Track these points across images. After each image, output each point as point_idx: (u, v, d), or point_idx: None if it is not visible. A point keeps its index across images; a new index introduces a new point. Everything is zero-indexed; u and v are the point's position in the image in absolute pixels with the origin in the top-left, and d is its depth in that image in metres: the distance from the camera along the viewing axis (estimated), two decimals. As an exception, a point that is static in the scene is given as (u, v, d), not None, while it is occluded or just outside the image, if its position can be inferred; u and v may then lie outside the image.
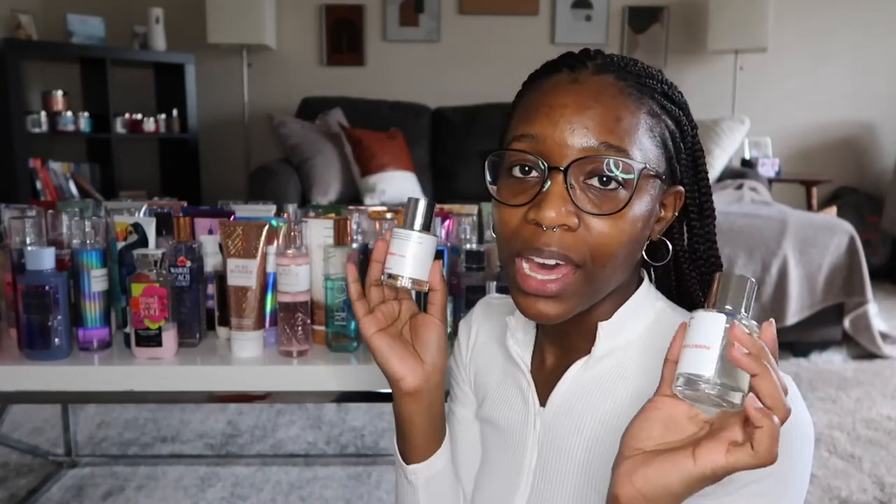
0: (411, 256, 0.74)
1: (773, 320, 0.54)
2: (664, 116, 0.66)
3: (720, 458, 0.52)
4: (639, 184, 0.62)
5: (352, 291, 0.77)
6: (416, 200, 0.76)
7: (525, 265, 0.64)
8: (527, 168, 0.65)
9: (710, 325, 0.54)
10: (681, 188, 0.69)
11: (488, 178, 0.69)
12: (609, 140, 0.62)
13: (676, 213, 0.70)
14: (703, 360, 0.53)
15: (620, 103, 0.63)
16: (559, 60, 0.68)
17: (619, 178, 0.62)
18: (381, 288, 0.78)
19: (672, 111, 0.67)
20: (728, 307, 0.55)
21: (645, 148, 0.64)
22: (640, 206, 0.63)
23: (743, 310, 0.55)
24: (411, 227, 0.75)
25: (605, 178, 0.62)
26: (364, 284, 0.78)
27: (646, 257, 0.69)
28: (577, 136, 0.62)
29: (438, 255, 1.24)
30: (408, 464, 0.81)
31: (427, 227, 0.76)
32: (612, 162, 0.61)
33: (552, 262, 0.63)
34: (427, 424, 0.79)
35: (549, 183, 0.62)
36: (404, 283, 0.75)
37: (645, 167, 0.62)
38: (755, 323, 0.54)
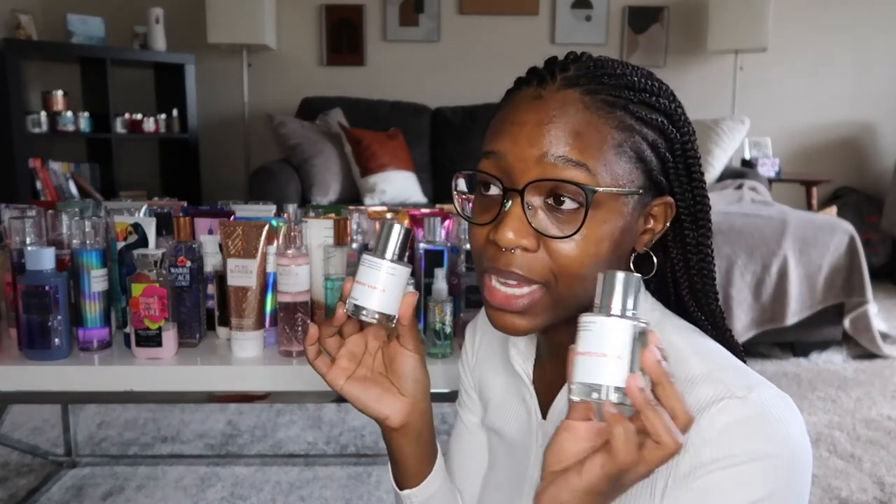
0: (381, 288, 0.67)
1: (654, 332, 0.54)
2: (641, 128, 0.63)
3: (597, 469, 0.53)
4: (595, 205, 0.60)
5: (309, 353, 0.72)
6: (391, 225, 0.69)
7: (492, 280, 0.64)
8: (492, 185, 0.64)
9: (612, 332, 0.53)
10: (670, 199, 0.66)
11: (463, 189, 0.69)
12: (568, 156, 0.60)
13: (668, 224, 0.68)
14: (600, 368, 0.53)
15: (583, 119, 0.61)
16: (530, 73, 0.66)
17: (579, 199, 0.60)
18: (338, 335, 0.73)
19: (652, 121, 0.64)
20: (622, 309, 0.54)
21: (612, 164, 0.61)
22: (607, 225, 0.62)
23: (633, 309, 0.55)
24: (382, 255, 0.68)
25: (562, 199, 0.61)
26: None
27: (632, 269, 0.68)
28: (535, 154, 0.61)
29: (437, 260, 1.25)
30: (401, 489, 0.81)
31: (401, 256, 0.69)
32: (566, 184, 0.60)
33: (514, 282, 0.63)
34: (418, 452, 0.78)
35: (509, 203, 0.62)
36: (370, 316, 0.68)
37: (596, 190, 0.60)
38: (645, 322, 0.54)
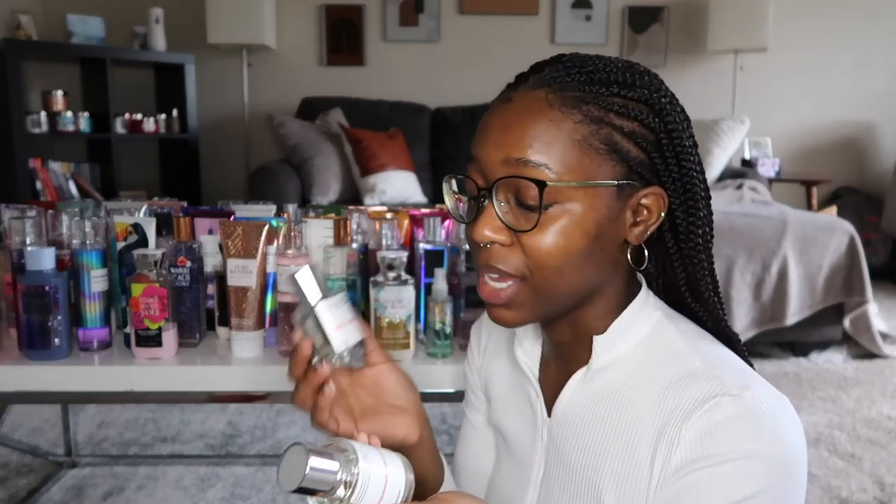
0: (336, 325, 0.68)
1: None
2: (613, 119, 0.63)
3: None
4: (555, 199, 0.61)
5: (317, 419, 0.72)
6: (293, 277, 0.69)
7: (483, 276, 0.67)
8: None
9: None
10: (659, 189, 0.66)
11: (454, 190, 0.72)
12: (528, 157, 0.61)
13: (664, 215, 0.67)
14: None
15: (545, 117, 0.62)
16: (516, 77, 0.68)
17: (537, 195, 0.61)
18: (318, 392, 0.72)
19: (629, 112, 0.63)
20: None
21: (574, 158, 0.61)
22: (575, 218, 0.62)
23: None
24: (314, 303, 0.69)
25: (524, 195, 0.63)
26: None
27: (630, 262, 0.67)
28: (500, 157, 0.63)
29: (437, 260, 1.25)
30: None
31: (323, 291, 0.69)
32: (523, 180, 0.62)
33: (496, 276, 0.66)
34: (433, 456, 0.78)
35: (485, 202, 0.65)
36: (342, 359, 0.69)
37: (545, 184, 0.61)
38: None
